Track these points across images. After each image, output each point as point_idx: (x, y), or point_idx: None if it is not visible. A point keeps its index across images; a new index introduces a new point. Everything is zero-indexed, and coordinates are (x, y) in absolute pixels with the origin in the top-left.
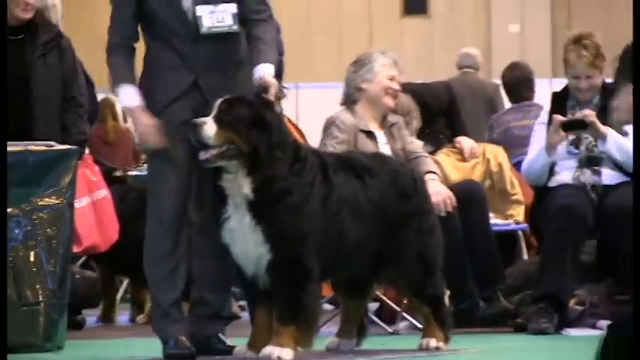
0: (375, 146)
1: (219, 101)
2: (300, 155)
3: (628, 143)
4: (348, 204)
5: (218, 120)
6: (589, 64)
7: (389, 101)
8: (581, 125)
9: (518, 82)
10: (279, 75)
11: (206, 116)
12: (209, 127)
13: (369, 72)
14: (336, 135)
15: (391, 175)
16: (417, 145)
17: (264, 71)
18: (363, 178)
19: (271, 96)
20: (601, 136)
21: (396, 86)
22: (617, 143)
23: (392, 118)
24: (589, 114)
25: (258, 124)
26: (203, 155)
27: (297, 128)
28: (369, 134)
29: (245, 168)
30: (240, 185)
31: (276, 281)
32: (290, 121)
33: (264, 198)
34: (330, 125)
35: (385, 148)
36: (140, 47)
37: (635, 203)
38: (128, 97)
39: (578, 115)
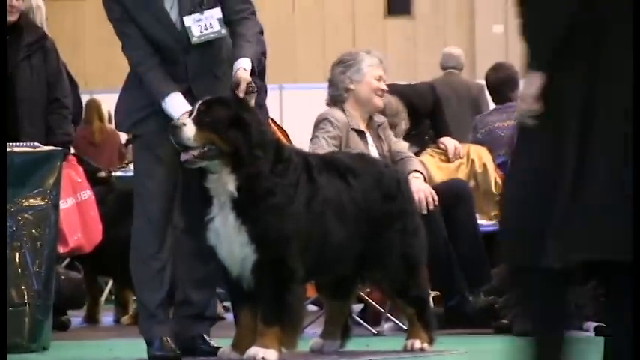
0: (365, 146)
1: (198, 103)
2: (282, 156)
3: None
4: (332, 205)
5: (197, 121)
6: None
7: (378, 101)
8: None
9: (503, 83)
10: (261, 74)
11: None
12: (188, 129)
13: (357, 73)
14: (329, 130)
15: (375, 176)
16: (402, 145)
17: (239, 66)
18: (347, 179)
19: (241, 92)
20: None
21: (384, 86)
22: None
23: (378, 118)
24: None
25: (237, 123)
26: (184, 156)
27: (281, 129)
28: (360, 134)
29: (228, 167)
30: (224, 184)
31: (261, 282)
32: (274, 122)
33: (248, 197)
34: (322, 120)
35: (372, 149)
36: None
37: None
38: (177, 106)
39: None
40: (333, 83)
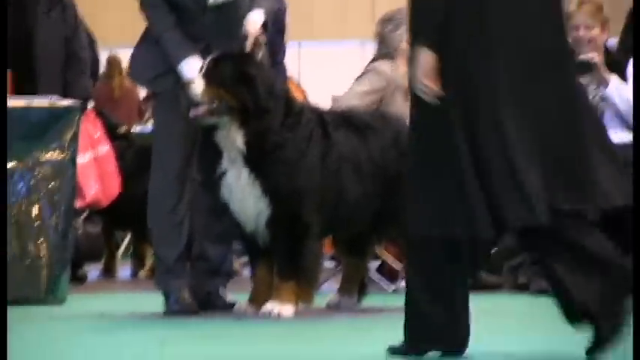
0: (406, 105)
1: (207, 59)
2: (292, 110)
3: (628, 91)
4: (348, 161)
5: (206, 78)
6: (588, 13)
7: None
8: (585, 68)
9: None
10: (280, 33)
11: None
12: (197, 86)
13: None
14: (370, 82)
15: (393, 134)
16: None
17: (249, 19)
18: (364, 136)
19: (249, 46)
20: (603, 81)
21: None
22: (618, 89)
23: None
24: (593, 56)
25: (243, 78)
26: (193, 113)
27: (298, 88)
28: (405, 92)
29: (237, 122)
30: (233, 139)
31: (276, 237)
32: (292, 80)
33: (257, 152)
34: (367, 72)
35: None
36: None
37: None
38: (192, 70)
39: (582, 57)
40: (382, 41)
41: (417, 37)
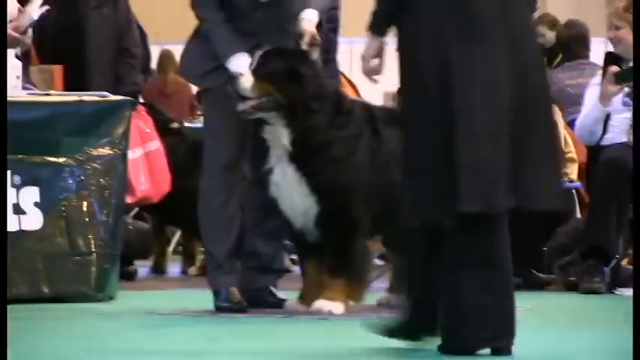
0: None
1: (258, 53)
2: (343, 108)
3: None
4: (397, 157)
5: (255, 72)
6: (614, 14)
7: None
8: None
9: (574, 40)
10: (334, 30)
11: None
12: (246, 80)
13: None
14: None
15: None
16: None
17: (304, 17)
18: None
19: (305, 44)
20: None
21: None
22: None
23: None
24: None
25: (293, 76)
26: (241, 106)
27: (351, 83)
28: None
29: (284, 119)
30: (279, 136)
31: (325, 234)
32: (344, 76)
33: (303, 150)
34: None
35: None
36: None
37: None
38: (240, 67)
39: (633, 65)
40: None
41: (371, 27)
